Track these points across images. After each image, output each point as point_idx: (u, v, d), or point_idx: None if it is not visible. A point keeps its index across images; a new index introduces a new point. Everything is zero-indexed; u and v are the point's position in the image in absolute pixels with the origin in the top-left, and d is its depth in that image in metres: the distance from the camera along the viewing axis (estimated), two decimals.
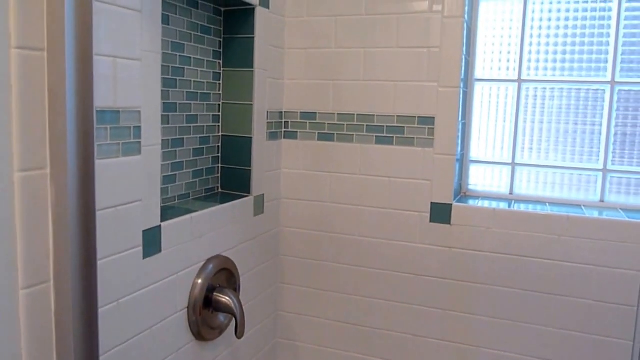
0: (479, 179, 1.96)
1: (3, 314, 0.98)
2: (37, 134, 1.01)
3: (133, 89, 1.24)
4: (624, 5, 1.74)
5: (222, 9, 1.77)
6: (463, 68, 1.80)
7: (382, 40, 1.83)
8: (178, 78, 1.60)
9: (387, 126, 1.85)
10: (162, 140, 1.54)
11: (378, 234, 1.91)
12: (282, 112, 1.98)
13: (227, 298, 1.57)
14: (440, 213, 1.81)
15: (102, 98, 1.16)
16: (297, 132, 1.98)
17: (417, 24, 1.78)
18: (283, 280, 2.07)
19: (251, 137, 1.79)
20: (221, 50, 1.79)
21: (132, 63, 1.24)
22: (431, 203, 1.82)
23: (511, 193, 1.91)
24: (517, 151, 1.90)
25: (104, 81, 1.16)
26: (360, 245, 1.94)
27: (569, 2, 1.80)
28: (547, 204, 1.83)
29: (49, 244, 1.06)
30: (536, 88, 1.86)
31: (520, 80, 1.86)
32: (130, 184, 1.26)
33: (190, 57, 1.65)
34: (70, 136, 1.04)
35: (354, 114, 1.89)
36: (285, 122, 1.99)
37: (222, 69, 1.80)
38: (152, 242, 1.35)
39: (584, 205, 1.82)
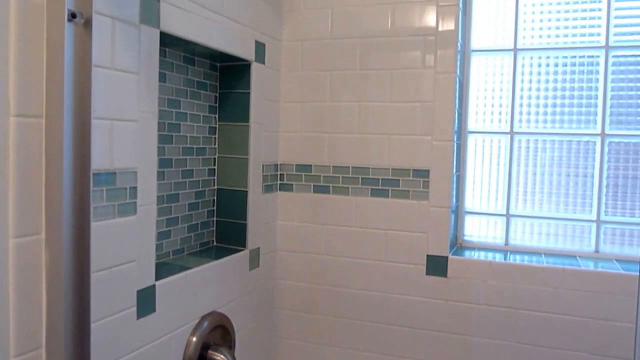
0: (474, 229, 1.97)
1: None
2: (34, 199, 1.02)
3: (129, 150, 1.26)
4: (611, 59, 1.79)
5: (218, 65, 1.81)
6: (456, 121, 1.83)
7: (376, 94, 1.86)
8: (174, 134, 1.62)
9: (382, 179, 1.87)
10: (157, 196, 1.54)
11: (374, 287, 1.90)
12: (277, 165, 2.00)
13: (222, 356, 1.55)
14: (437, 265, 1.81)
15: (98, 160, 1.17)
16: (292, 184, 1.99)
17: (410, 79, 1.82)
18: (279, 335, 2.04)
19: (247, 191, 1.79)
20: (217, 104, 1.82)
21: (129, 124, 1.25)
22: (427, 255, 1.82)
23: (507, 244, 1.91)
24: (511, 202, 1.91)
25: (101, 143, 1.17)
26: (356, 298, 1.92)
27: (557, 57, 1.85)
28: (543, 255, 1.84)
29: (42, 310, 1.05)
30: (528, 140, 1.89)
31: (512, 133, 1.89)
32: (125, 245, 1.25)
33: (186, 113, 1.67)
34: (66, 201, 1.05)
35: (349, 167, 1.91)
36: (280, 174, 2.00)
37: (217, 123, 1.82)
38: (146, 301, 1.33)
39: (579, 256, 1.83)
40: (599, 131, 1.81)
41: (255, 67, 1.78)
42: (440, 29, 1.79)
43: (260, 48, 1.81)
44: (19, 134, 0.99)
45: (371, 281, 1.90)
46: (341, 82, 1.90)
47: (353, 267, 1.92)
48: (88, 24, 1.07)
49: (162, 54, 1.54)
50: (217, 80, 1.82)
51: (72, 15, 1.05)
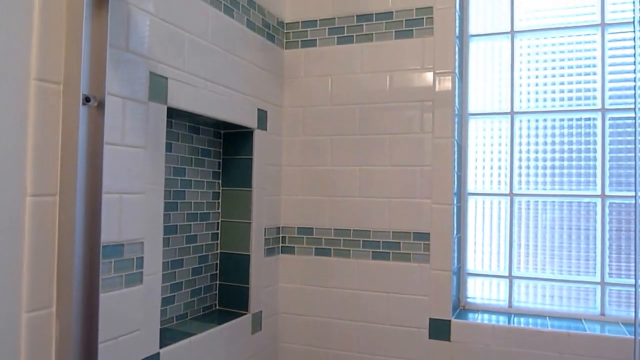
0: (477, 291, 2.05)
1: None
2: (46, 274, 1.12)
3: (137, 221, 1.37)
4: (608, 122, 1.91)
5: (222, 132, 1.94)
6: (455, 184, 1.94)
7: (375, 158, 1.99)
8: (179, 201, 1.73)
9: (383, 242, 1.97)
10: (163, 262, 1.64)
11: (377, 351, 1.96)
12: (279, 228, 2.10)
13: None
14: (440, 329, 1.88)
15: (107, 233, 1.28)
16: (294, 247, 2.09)
17: (409, 144, 1.95)
18: None
19: (249, 254, 1.90)
20: (220, 170, 1.94)
21: (137, 197, 1.37)
22: (430, 319, 1.90)
23: (510, 306, 1.99)
24: (513, 263, 1.99)
25: (110, 217, 1.28)
26: None
27: (554, 120, 1.97)
28: (547, 318, 1.90)
29: None
30: (528, 201, 1.99)
31: (512, 194, 1.99)
32: (132, 314, 1.35)
33: (190, 180, 1.79)
34: (76, 275, 1.15)
35: (350, 230, 2.01)
36: (282, 237, 2.11)
37: (221, 188, 1.94)
38: None
39: (584, 319, 1.89)
40: (599, 192, 1.91)
41: (257, 134, 1.92)
42: (437, 95, 1.92)
43: (262, 115, 1.95)
44: (34, 213, 1.10)
45: (374, 345, 1.97)
46: (341, 147, 2.04)
47: (356, 330, 1.99)
48: (101, 106, 1.20)
49: (169, 125, 1.67)
50: (221, 147, 1.95)
51: (87, 99, 1.18)
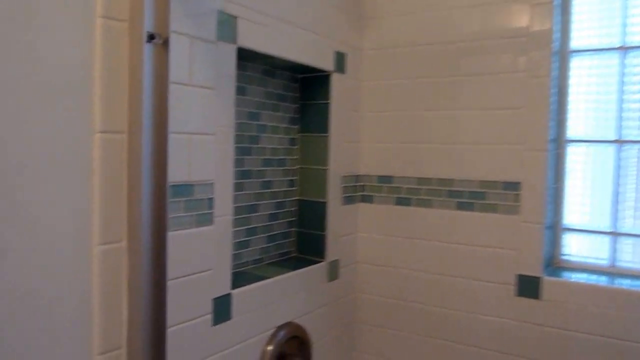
0: (575, 248, 1.88)
1: None
2: (116, 210, 1.16)
3: (207, 163, 1.38)
4: None
5: (299, 76, 1.90)
6: (552, 129, 1.77)
7: (462, 102, 1.86)
8: (253, 146, 1.73)
9: (467, 191, 1.86)
10: (237, 207, 1.66)
11: (459, 306, 1.88)
12: (358, 176, 2.05)
13: None
14: (528, 286, 1.76)
15: (177, 173, 1.30)
16: (373, 195, 2.04)
17: (499, 85, 1.79)
18: (358, 349, 2.09)
19: (325, 202, 1.87)
20: (298, 115, 1.92)
21: (206, 138, 1.38)
22: (517, 275, 1.78)
23: (612, 265, 1.81)
24: (618, 218, 1.80)
25: (180, 157, 1.30)
26: (439, 316, 1.92)
27: None
28: None
29: (123, 313, 1.19)
30: (638, 148, 1.77)
31: (619, 141, 1.79)
32: (202, 254, 1.37)
33: (266, 125, 1.78)
34: (145, 211, 1.18)
35: (432, 178, 1.92)
36: (361, 185, 2.06)
37: (298, 134, 1.92)
38: (222, 309, 1.44)
39: None
40: None
41: (335, 78, 1.86)
42: (533, 30, 1.74)
43: (340, 58, 1.88)
44: (104, 149, 1.13)
45: (456, 299, 1.89)
46: (425, 91, 1.92)
47: (436, 284, 1.92)
48: (166, 44, 1.20)
49: (242, 67, 1.65)
50: (298, 92, 1.91)
51: (151, 37, 1.18)
